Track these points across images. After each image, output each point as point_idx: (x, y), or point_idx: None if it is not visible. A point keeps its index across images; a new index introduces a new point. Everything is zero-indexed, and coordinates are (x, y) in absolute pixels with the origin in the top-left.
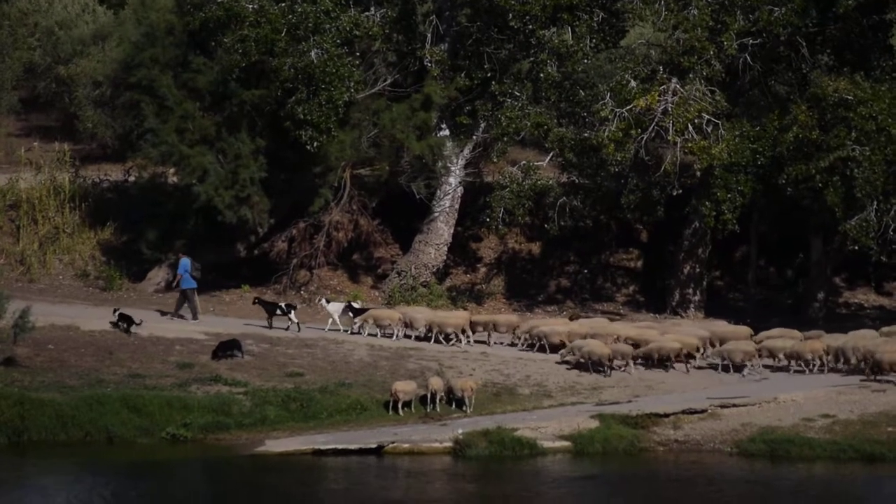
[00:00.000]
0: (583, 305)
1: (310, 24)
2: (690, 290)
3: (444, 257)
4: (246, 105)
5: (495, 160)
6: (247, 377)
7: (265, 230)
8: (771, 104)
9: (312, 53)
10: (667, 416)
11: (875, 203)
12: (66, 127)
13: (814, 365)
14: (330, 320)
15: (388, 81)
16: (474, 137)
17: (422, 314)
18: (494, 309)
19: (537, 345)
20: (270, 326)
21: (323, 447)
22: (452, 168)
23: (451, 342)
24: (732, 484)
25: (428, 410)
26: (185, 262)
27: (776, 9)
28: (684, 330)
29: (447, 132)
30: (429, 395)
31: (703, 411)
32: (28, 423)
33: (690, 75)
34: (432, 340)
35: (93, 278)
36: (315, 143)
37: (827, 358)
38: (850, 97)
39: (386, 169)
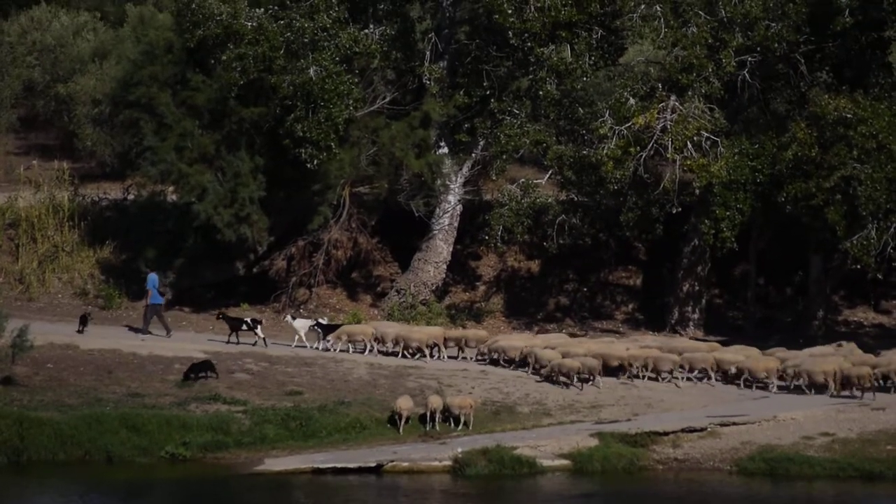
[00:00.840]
0: (582, 323)
1: (308, 42)
2: (689, 308)
3: (444, 275)
4: (245, 123)
5: (494, 178)
6: (246, 396)
7: (264, 248)
8: (770, 122)
9: (311, 71)
10: (666, 434)
11: (876, 221)
12: (65, 145)
13: (771, 383)
14: (297, 337)
15: (387, 99)
16: (473, 155)
17: (392, 329)
18: (494, 327)
19: (499, 359)
20: (229, 342)
21: (322, 466)
22: (451, 186)
23: (417, 357)
24: (731, 503)
25: (427, 429)
26: (154, 277)
27: (773, 24)
28: (644, 345)
29: (446, 150)
30: (428, 414)
31: (702, 430)
32: (27, 443)
33: (689, 93)
34: (399, 355)
35: (92, 297)
36: (314, 161)
37: (782, 376)
38: (849, 115)
39: (385, 187)
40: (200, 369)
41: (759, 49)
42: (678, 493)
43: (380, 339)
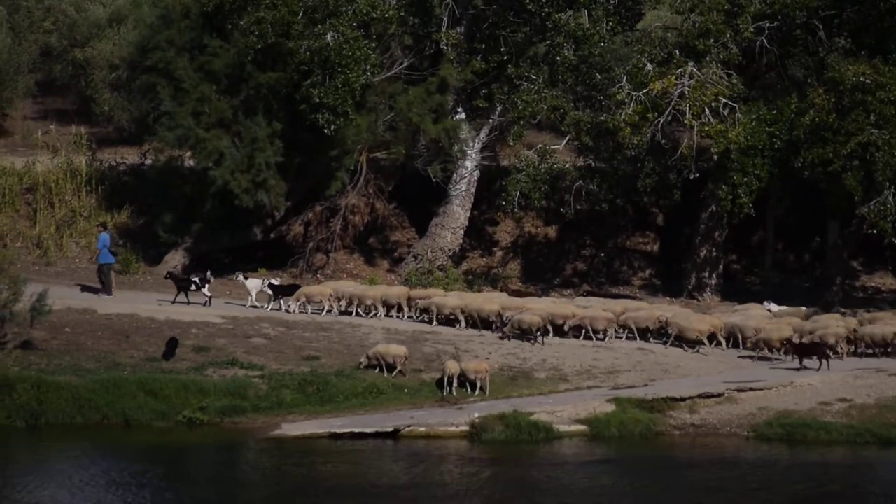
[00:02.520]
0: (599, 289)
1: (327, 7)
2: (706, 274)
3: (461, 241)
4: (262, 88)
5: (511, 144)
6: (263, 361)
7: (281, 214)
8: (788, 88)
9: (329, 36)
10: (683, 400)
11: (893, 187)
12: (82, 110)
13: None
14: (250, 297)
15: (405, 65)
16: (490, 121)
17: (349, 288)
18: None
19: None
20: (175, 301)
21: (339, 431)
22: (468, 151)
23: (370, 315)
24: (749, 468)
25: (444, 394)
26: (105, 236)
27: None
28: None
29: (463, 115)
30: (445, 379)
31: (719, 395)
32: (45, 407)
33: (707, 58)
34: (353, 314)
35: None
36: (331, 127)
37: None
38: (868, 81)
39: (402, 152)
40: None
41: (778, 16)
42: (695, 458)
43: (339, 299)
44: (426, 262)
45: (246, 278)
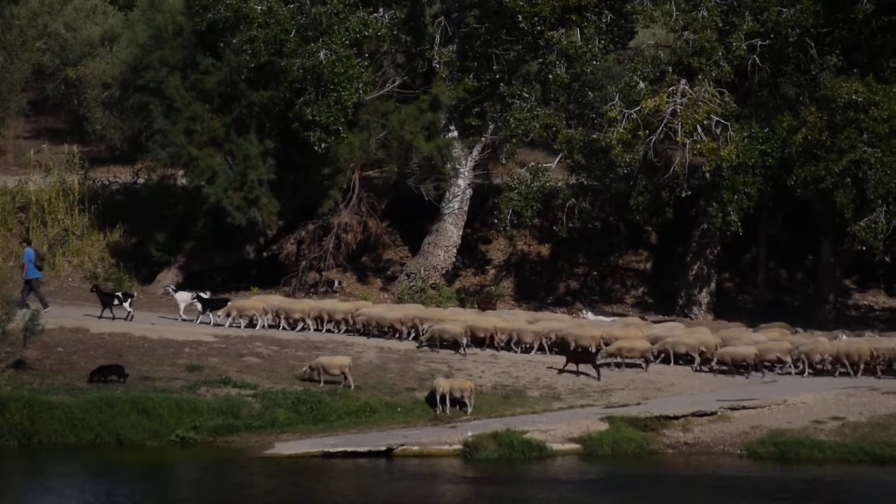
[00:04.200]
0: (592, 307)
1: (319, 26)
2: (698, 292)
3: (454, 259)
4: (255, 106)
5: (504, 162)
6: (256, 379)
7: (274, 232)
8: (780, 105)
9: (321, 54)
10: (676, 418)
11: (885, 205)
12: (75, 129)
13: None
14: (180, 309)
15: (397, 83)
16: (483, 139)
17: (277, 301)
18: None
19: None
20: (102, 316)
21: (332, 450)
22: (461, 170)
23: (298, 328)
24: (742, 486)
25: (437, 413)
26: (30, 251)
27: (784, 10)
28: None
29: (456, 134)
30: (438, 397)
31: (712, 414)
32: (38, 426)
33: (699, 76)
34: (279, 327)
35: (102, 280)
36: (323, 145)
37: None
38: (861, 99)
39: (395, 170)
40: (108, 372)
41: (771, 34)
42: (688, 476)
43: (275, 314)
44: (419, 281)
45: (176, 290)
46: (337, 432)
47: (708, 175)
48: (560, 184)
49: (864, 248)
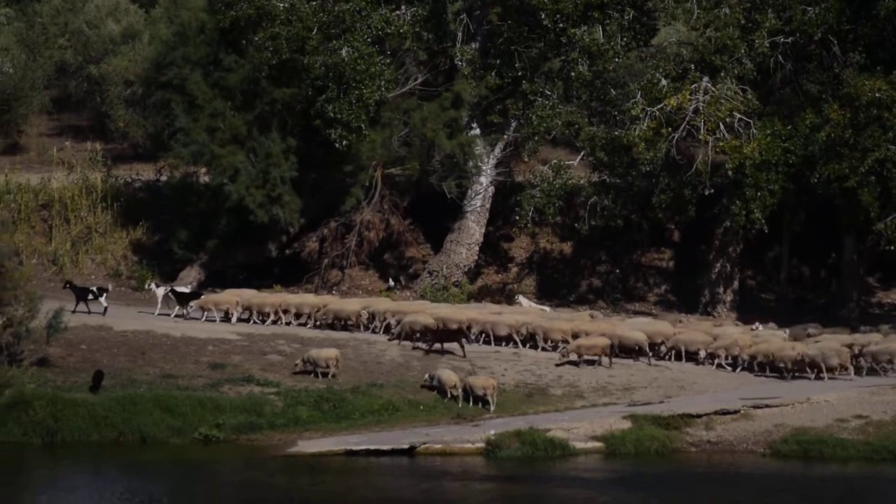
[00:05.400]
0: (614, 305)
1: (342, 23)
2: (721, 290)
3: (476, 257)
4: (277, 104)
5: (526, 159)
6: (279, 377)
7: (296, 230)
8: (803, 103)
9: (343, 52)
10: (699, 416)
11: None
12: (97, 126)
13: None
14: (158, 304)
15: (419, 80)
16: (505, 136)
17: (246, 295)
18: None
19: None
20: (76, 311)
21: (355, 448)
22: (483, 167)
23: (266, 322)
24: (765, 484)
25: (445, 402)
26: None
27: (809, 8)
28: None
29: (478, 131)
30: (450, 392)
31: (735, 412)
32: (61, 424)
33: (722, 74)
34: (250, 321)
35: (125, 278)
36: (345, 143)
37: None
38: (884, 97)
39: (417, 168)
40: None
41: (793, 31)
42: (711, 475)
43: (246, 308)
44: (441, 279)
45: (157, 286)
46: (360, 430)
47: (731, 173)
48: (582, 181)
49: (890, 246)
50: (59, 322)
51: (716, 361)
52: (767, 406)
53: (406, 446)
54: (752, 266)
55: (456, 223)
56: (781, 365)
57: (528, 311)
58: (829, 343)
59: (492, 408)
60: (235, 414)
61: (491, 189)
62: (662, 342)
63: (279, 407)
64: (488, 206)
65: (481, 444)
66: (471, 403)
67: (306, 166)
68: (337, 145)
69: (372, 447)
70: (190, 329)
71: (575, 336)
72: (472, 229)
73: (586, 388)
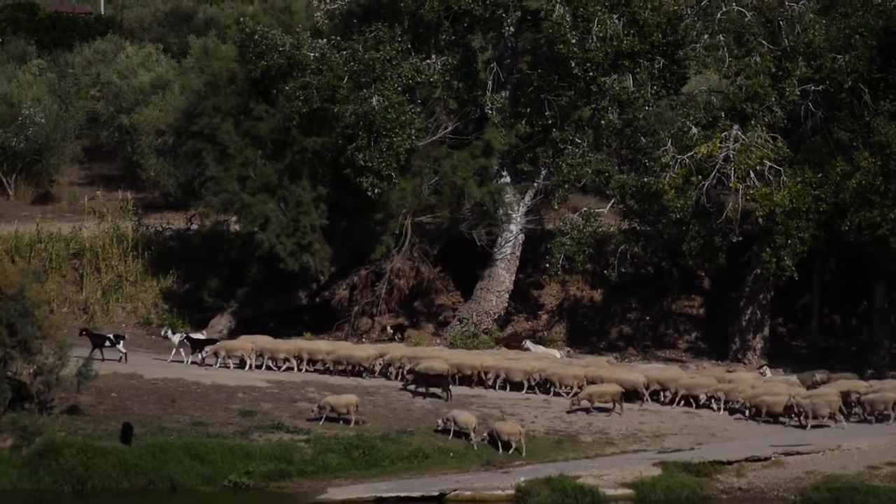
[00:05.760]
0: (644, 353)
1: (372, 72)
2: (751, 337)
3: (506, 304)
4: (307, 152)
5: (556, 207)
6: (308, 425)
7: (326, 278)
8: (833, 151)
9: (374, 100)
10: (730, 463)
11: None
12: (128, 175)
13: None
14: (173, 351)
15: (449, 129)
16: (535, 184)
17: (260, 342)
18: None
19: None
20: (92, 357)
21: (385, 495)
22: (513, 215)
23: (282, 368)
24: None
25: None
26: None
27: (840, 56)
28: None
29: (508, 179)
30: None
31: (766, 459)
32: (91, 472)
33: (752, 122)
34: (262, 367)
35: (155, 326)
36: (376, 191)
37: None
38: None
39: (447, 216)
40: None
41: (824, 79)
42: None
43: (259, 354)
44: (471, 326)
45: (174, 332)
46: (389, 477)
47: (761, 220)
48: (612, 229)
49: None
50: (89, 370)
51: (718, 405)
52: (798, 453)
53: (436, 493)
54: (783, 313)
55: (486, 270)
56: (777, 411)
57: (541, 356)
58: (826, 391)
59: (522, 453)
60: (265, 461)
61: (521, 237)
62: (666, 388)
63: (309, 454)
64: (518, 253)
65: (511, 491)
66: (500, 450)
67: (336, 214)
68: (368, 193)
69: (402, 494)
70: (220, 377)
71: (591, 382)
72: (502, 277)
73: (616, 435)
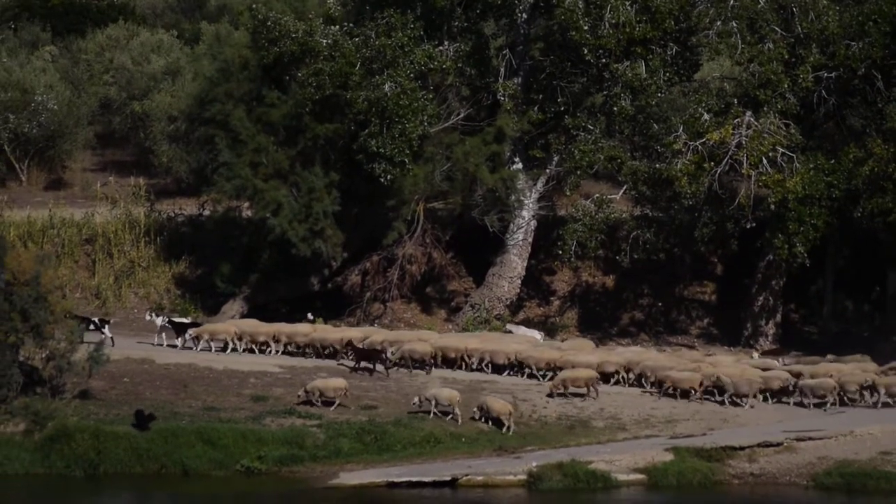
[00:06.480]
0: (657, 338)
1: (384, 58)
2: (763, 323)
3: (518, 290)
4: (319, 139)
5: (568, 193)
6: (320, 410)
7: (338, 263)
8: (846, 137)
9: (386, 87)
10: (742, 449)
11: None
12: (141, 162)
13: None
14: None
15: (462, 115)
16: (547, 171)
17: (244, 325)
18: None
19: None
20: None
21: (397, 479)
22: (525, 201)
23: (268, 351)
24: None
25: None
26: None
27: (853, 43)
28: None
29: (520, 165)
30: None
31: (778, 444)
32: (103, 456)
33: (765, 108)
34: (240, 350)
35: (167, 312)
36: (388, 177)
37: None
38: None
39: (459, 202)
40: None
41: (837, 66)
42: None
43: (241, 337)
44: (483, 312)
45: (157, 315)
46: (401, 462)
47: (773, 207)
48: (624, 215)
49: None
50: (100, 355)
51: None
52: (811, 438)
53: (448, 478)
54: (796, 299)
55: (498, 257)
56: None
57: (520, 339)
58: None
59: (509, 432)
60: (277, 446)
61: (533, 223)
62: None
63: (321, 439)
64: (530, 239)
65: (523, 476)
66: (489, 424)
67: (349, 200)
68: (381, 180)
69: (414, 479)
70: (232, 362)
71: (560, 367)
72: (515, 263)
73: (628, 421)
